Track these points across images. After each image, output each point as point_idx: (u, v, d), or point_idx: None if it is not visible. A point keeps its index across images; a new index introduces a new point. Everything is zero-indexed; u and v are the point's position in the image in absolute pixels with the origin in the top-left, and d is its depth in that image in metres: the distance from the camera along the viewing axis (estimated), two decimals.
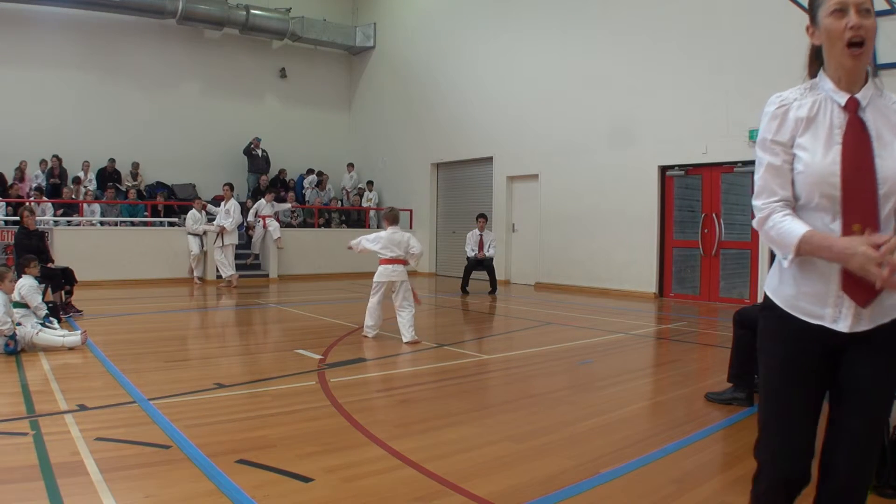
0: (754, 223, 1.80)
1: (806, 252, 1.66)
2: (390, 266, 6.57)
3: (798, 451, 1.77)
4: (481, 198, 14.45)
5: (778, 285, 1.81)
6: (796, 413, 1.77)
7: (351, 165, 17.68)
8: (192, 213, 12.54)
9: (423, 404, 4.31)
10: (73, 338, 5.86)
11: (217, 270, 12.37)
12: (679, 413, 4.21)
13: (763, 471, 1.84)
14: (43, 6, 13.75)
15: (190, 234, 12.47)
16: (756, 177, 1.81)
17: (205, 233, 12.49)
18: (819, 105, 1.74)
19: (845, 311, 1.68)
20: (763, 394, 1.85)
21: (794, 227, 1.68)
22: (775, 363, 1.80)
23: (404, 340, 6.42)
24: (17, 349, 5.55)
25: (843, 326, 1.68)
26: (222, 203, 12.46)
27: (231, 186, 12.68)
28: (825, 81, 1.76)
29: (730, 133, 9.83)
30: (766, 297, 1.86)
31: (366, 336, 6.69)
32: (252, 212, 13.62)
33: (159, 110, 15.35)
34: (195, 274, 12.52)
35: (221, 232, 12.11)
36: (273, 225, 13.59)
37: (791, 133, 1.75)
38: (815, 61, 1.83)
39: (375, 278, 6.64)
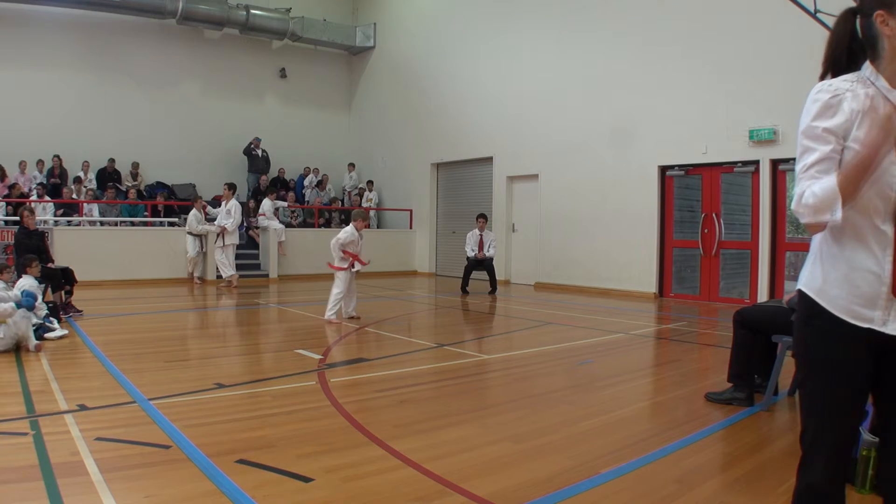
0: (794, 208, 1.72)
1: (850, 181, 1.62)
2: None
3: (849, 448, 1.84)
4: (481, 198, 14.45)
5: (822, 286, 1.76)
6: (855, 417, 1.81)
7: (352, 165, 17.67)
8: (194, 213, 12.52)
9: (423, 404, 4.31)
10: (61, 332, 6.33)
11: (217, 270, 12.35)
12: (679, 413, 4.20)
13: (817, 453, 1.80)
14: (43, 6, 13.75)
15: (190, 234, 12.43)
16: (798, 167, 1.74)
17: (205, 234, 12.49)
18: (872, 100, 1.68)
19: (894, 313, 1.69)
20: (818, 400, 1.80)
21: (826, 178, 1.64)
22: (831, 371, 1.76)
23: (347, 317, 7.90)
24: (33, 304, 5.87)
25: (893, 329, 1.69)
26: (223, 203, 12.37)
27: (231, 186, 12.55)
28: (878, 78, 1.70)
29: (730, 133, 9.83)
30: (808, 300, 1.80)
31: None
32: (268, 210, 13.63)
33: (159, 110, 15.35)
34: (195, 275, 12.51)
35: (222, 232, 12.08)
36: (279, 226, 13.63)
37: (846, 124, 1.68)
38: (850, 52, 1.76)
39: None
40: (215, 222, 12.30)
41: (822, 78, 1.81)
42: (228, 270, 12.06)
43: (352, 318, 7.91)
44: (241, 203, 12.93)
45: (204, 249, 12.54)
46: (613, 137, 11.50)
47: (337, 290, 7.70)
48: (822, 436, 1.79)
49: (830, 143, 1.67)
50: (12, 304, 5.54)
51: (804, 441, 1.87)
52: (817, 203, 1.65)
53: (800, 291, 1.83)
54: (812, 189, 1.66)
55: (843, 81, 1.72)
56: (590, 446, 3.45)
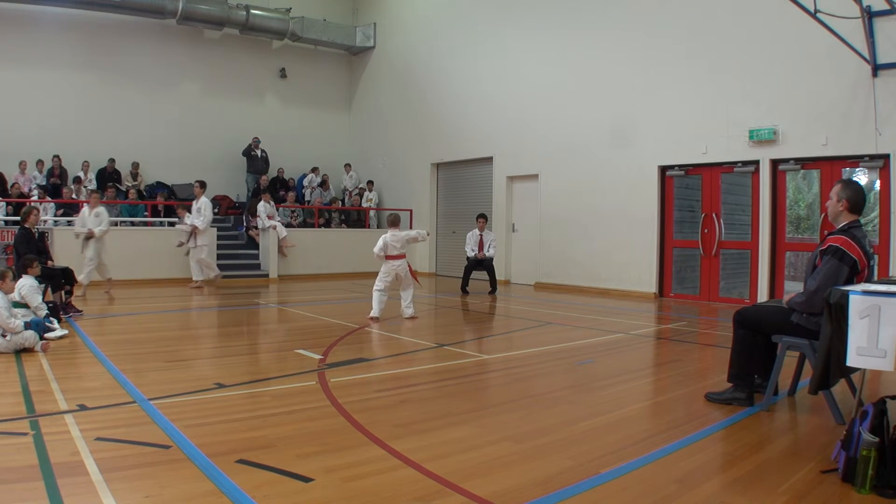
0: None
1: None
2: (395, 261, 8.03)
3: None
4: (481, 198, 14.45)
5: None
6: None
7: (348, 166, 17.65)
8: (83, 213, 10.45)
9: (423, 404, 4.31)
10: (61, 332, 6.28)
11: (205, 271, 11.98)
12: (679, 413, 4.20)
13: None
14: (43, 6, 13.75)
15: (86, 237, 10.22)
16: None
17: (91, 235, 10.25)
18: None
19: None
20: None
21: None
22: None
23: (404, 316, 8.12)
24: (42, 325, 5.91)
25: None
26: (194, 202, 11.82)
27: (202, 184, 11.96)
28: None
29: (730, 133, 9.83)
30: None
31: (374, 318, 7.89)
32: (262, 213, 13.55)
33: (159, 110, 15.36)
34: (80, 278, 9.58)
35: (194, 231, 11.62)
36: (280, 226, 13.62)
37: None
38: None
39: (384, 270, 8.04)
40: (186, 221, 11.82)
41: None
42: (200, 274, 11.69)
43: (374, 318, 8.02)
44: (238, 203, 12.80)
45: (101, 257, 10.44)
46: (613, 137, 11.50)
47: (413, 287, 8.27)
48: None
49: None
50: (24, 330, 5.63)
51: None
52: None
53: None
54: None
55: None
56: (590, 446, 3.45)
